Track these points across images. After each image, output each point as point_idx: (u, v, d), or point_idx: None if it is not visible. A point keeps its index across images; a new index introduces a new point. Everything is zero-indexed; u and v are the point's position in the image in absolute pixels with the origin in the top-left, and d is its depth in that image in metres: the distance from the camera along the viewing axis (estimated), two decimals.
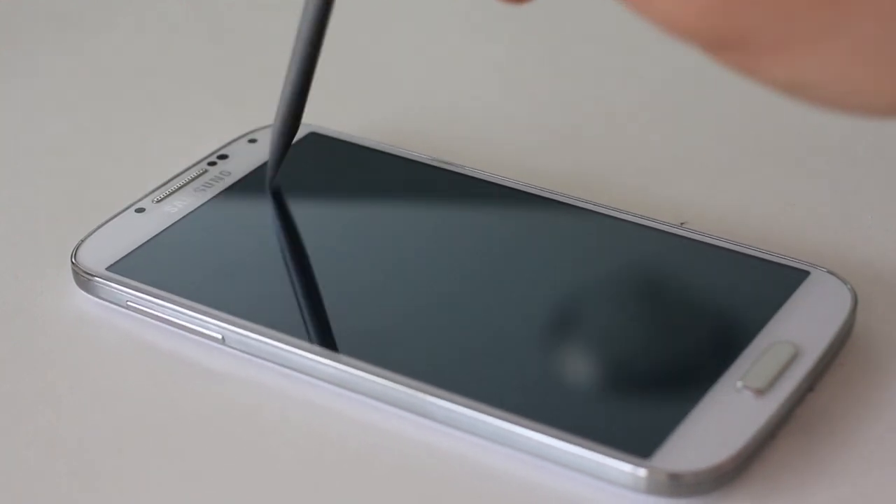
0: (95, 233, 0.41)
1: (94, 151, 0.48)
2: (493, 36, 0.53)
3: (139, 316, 0.39)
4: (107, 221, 0.41)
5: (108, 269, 0.39)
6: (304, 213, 0.43)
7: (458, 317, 0.38)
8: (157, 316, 0.38)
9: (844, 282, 0.38)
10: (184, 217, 0.41)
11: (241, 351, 0.37)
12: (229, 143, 0.45)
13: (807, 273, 0.38)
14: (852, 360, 0.37)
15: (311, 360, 0.36)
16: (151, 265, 0.39)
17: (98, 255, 0.40)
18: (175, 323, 0.38)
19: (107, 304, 0.39)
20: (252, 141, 0.45)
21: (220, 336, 0.37)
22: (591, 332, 0.38)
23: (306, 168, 0.44)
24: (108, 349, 0.39)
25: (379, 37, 0.54)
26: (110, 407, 0.37)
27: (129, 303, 0.39)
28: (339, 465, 0.35)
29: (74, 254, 0.40)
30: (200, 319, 0.37)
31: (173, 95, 0.51)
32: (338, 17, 0.54)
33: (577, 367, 0.36)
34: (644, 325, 0.38)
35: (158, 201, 0.42)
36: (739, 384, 0.35)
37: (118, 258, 0.40)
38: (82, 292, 0.40)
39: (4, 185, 0.46)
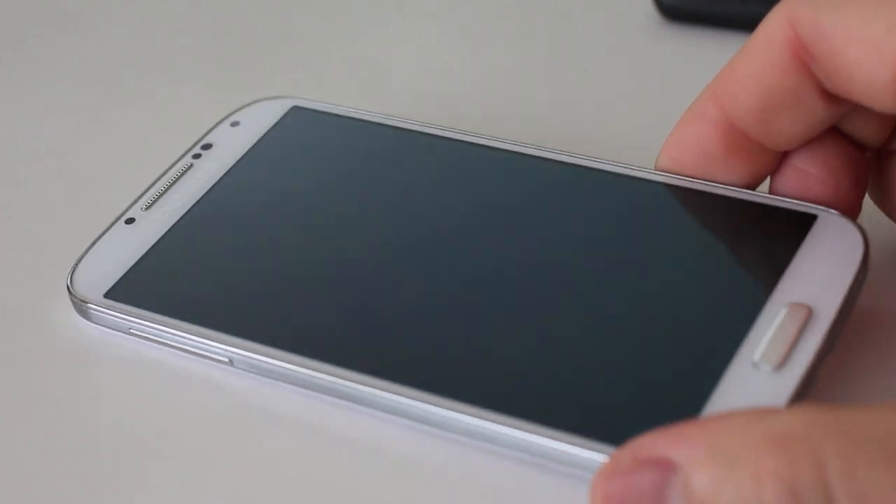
0: (88, 254, 0.39)
1: (94, 151, 0.47)
2: (492, 34, 0.51)
3: (143, 340, 0.38)
4: (98, 239, 0.40)
5: (105, 295, 0.38)
6: (304, 206, 0.41)
7: (461, 320, 0.36)
8: (161, 342, 0.37)
9: (854, 223, 0.36)
10: (176, 222, 0.40)
11: (248, 371, 0.37)
12: (211, 131, 0.43)
13: (814, 217, 0.36)
14: (868, 313, 0.36)
15: (317, 378, 0.35)
16: (150, 285, 0.38)
17: (94, 280, 0.38)
18: (180, 348, 0.37)
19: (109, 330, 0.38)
20: (234, 124, 0.43)
21: (227, 359, 0.37)
22: (593, 327, 0.36)
23: (298, 148, 0.42)
24: (111, 367, 0.38)
25: (378, 33, 0.52)
26: (112, 420, 0.37)
27: (132, 330, 0.38)
28: (343, 470, 0.35)
29: (70, 280, 0.38)
30: (207, 345, 0.37)
31: (173, 95, 0.49)
32: (338, 15, 0.53)
33: (582, 362, 0.35)
34: (647, 311, 0.36)
35: (147, 208, 0.40)
36: (757, 357, 0.33)
37: (115, 281, 0.38)
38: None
39: (4, 185, 0.45)
